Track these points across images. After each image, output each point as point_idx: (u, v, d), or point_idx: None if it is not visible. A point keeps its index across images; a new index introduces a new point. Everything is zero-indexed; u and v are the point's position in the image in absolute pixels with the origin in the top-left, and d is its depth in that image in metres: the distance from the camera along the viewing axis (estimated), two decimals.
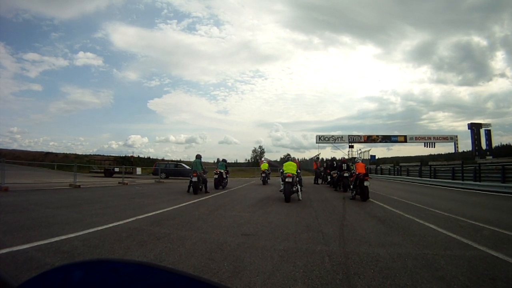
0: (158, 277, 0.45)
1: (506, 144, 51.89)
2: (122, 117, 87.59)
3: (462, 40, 70.27)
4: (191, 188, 9.62)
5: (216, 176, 12.22)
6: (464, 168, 15.27)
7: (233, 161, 65.19)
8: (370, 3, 72.69)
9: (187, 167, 22.93)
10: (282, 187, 8.26)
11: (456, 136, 40.03)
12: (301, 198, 8.19)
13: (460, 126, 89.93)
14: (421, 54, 75.41)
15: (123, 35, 76.85)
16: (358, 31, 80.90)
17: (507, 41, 61.87)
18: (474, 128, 40.85)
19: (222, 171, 12.39)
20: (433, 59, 74.34)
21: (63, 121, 78.36)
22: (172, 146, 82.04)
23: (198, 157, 10.54)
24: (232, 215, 5.62)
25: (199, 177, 9.67)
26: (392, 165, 33.02)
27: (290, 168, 8.27)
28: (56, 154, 47.86)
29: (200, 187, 9.82)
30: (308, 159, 43.56)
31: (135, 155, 47.53)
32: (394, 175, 24.37)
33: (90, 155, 50.88)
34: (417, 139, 39.59)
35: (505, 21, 61.84)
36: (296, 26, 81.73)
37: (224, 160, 14.09)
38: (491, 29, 66.62)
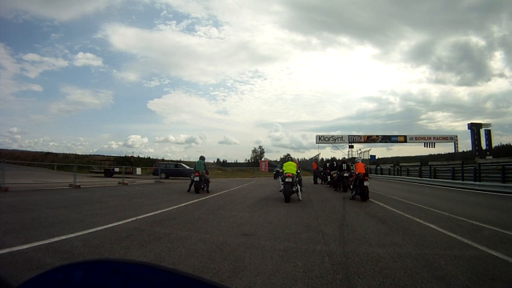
0: (158, 277, 0.45)
1: (506, 144, 51.79)
2: (122, 118, 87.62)
3: (461, 40, 70.28)
4: (192, 187, 9.83)
5: (274, 172, 20.73)
6: (464, 168, 15.26)
7: (233, 161, 65.37)
8: (368, 3, 72.78)
9: (187, 167, 23.11)
10: (282, 187, 8.26)
11: (456, 136, 40.08)
12: (301, 198, 8.19)
13: (460, 126, 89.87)
14: (420, 54, 75.51)
15: (123, 36, 76.95)
16: (356, 32, 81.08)
17: (506, 41, 61.91)
18: (474, 128, 40.83)
19: (279, 169, 17.77)
20: (432, 59, 74.39)
21: (63, 122, 78.41)
22: (172, 146, 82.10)
23: (202, 158, 10.83)
24: (232, 215, 5.62)
25: (201, 177, 9.88)
26: (392, 165, 33.00)
27: (290, 168, 8.27)
28: (56, 154, 47.79)
29: (202, 186, 10.03)
30: (308, 159, 43.61)
31: (135, 155, 47.46)
32: (394, 175, 24.36)
33: (90, 155, 50.87)
34: (417, 139, 39.62)
35: (503, 21, 61.92)
36: (294, 27, 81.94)
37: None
38: (489, 29, 66.62)
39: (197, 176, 9.70)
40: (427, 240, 3.79)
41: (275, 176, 19.75)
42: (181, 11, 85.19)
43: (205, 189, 10.10)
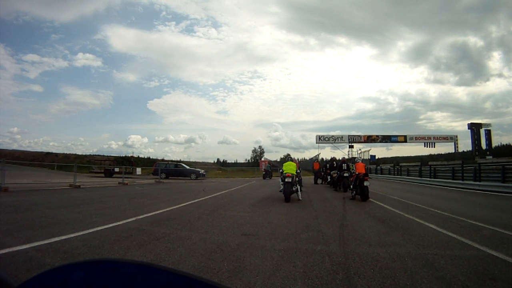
0: (158, 277, 0.45)
1: (506, 144, 51.80)
2: (122, 118, 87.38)
3: (459, 41, 70.08)
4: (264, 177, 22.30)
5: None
6: (464, 168, 15.24)
7: (233, 161, 65.42)
8: (365, 4, 72.65)
9: (187, 167, 23.39)
10: (282, 187, 8.27)
11: (456, 136, 40.08)
12: (301, 198, 8.19)
13: (459, 126, 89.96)
14: (418, 55, 75.45)
15: (122, 37, 76.87)
16: (353, 32, 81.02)
17: (504, 41, 61.87)
18: (474, 128, 40.85)
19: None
20: (430, 59, 74.26)
21: (63, 122, 78.29)
22: (172, 146, 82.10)
23: (270, 162, 22.28)
24: (232, 215, 5.62)
25: (267, 172, 23.55)
26: (392, 165, 32.99)
27: (290, 168, 8.27)
28: (56, 154, 47.70)
29: (267, 177, 22.54)
30: (308, 159, 43.64)
31: (135, 155, 47.47)
32: (394, 175, 24.34)
33: (90, 155, 50.74)
34: (417, 139, 39.61)
35: (501, 21, 61.78)
36: (292, 28, 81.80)
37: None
38: (487, 29, 66.53)
39: (265, 171, 23.59)
40: (427, 240, 3.79)
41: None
42: (180, 12, 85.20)
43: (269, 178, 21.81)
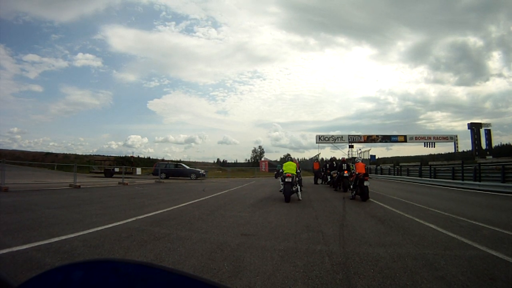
0: (158, 277, 0.45)
1: (506, 144, 51.86)
2: (121, 118, 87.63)
3: (458, 40, 70.26)
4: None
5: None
6: (464, 168, 15.24)
7: (233, 161, 65.48)
8: (365, 4, 72.79)
9: (187, 167, 23.47)
10: (282, 187, 8.27)
11: (456, 136, 40.10)
12: (301, 198, 8.19)
13: (459, 126, 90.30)
14: (417, 55, 75.65)
15: (122, 37, 77.09)
16: (353, 32, 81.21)
17: (504, 41, 61.99)
18: (474, 128, 40.88)
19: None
20: (430, 59, 74.53)
21: (63, 122, 78.46)
22: (172, 146, 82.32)
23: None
24: (232, 215, 5.62)
25: (279, 172, 16.08)
26: (392, 165, 33.00)
27: (290, 168, 8.27)
28: (56, 155, 47.70)
29: (279, 177, 20.95)
30: (308, 159, 43.66)
31: (135, 155, 47.47)
32: (394, 175, 24.34)
33: (90, 155, 50.80)
34: (417, 139, 39.62)
35: (501, 21, 61.96)
36: (291, 28, 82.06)
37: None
38: (487, 29, 66.77)
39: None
40: (427, 240, 3.79)
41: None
42: (180, 12, 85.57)
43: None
